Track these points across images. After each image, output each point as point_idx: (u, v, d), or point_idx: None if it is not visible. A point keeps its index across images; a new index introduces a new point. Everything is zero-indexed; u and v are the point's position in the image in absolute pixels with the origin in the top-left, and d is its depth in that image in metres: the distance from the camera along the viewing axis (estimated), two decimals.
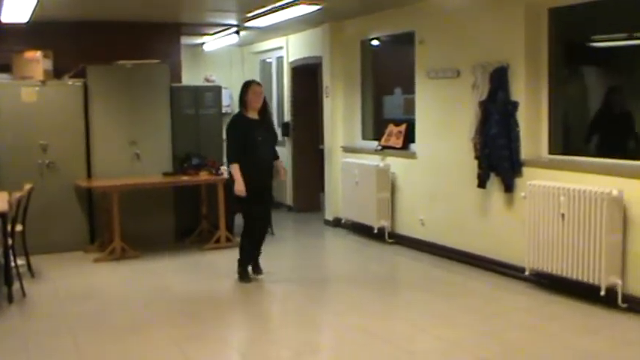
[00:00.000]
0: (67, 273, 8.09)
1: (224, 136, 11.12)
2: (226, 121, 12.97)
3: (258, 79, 13.45)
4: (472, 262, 7.80)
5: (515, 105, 7.08)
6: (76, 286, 7.57)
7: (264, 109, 7.65)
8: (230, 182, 7.56)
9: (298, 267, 8.59)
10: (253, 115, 7.47)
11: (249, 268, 7.65)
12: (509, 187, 7.19)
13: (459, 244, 8.05)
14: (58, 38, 9.48)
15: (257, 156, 7.34)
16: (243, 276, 7.52)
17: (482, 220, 7.67)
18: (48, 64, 9.20)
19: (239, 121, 7.51)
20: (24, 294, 7.09)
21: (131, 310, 6.66)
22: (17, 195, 7.22)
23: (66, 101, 9.17)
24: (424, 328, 5.88)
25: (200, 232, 9.69)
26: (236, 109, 13.53)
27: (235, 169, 7.26)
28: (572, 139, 7.50)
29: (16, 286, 7.07)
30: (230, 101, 13.38)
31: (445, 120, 8.19)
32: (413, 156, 8.81)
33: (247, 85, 7.63)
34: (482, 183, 7.46)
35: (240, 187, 7.22)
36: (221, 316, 6.46)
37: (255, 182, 7.32)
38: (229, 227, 9.47)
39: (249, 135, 7.34)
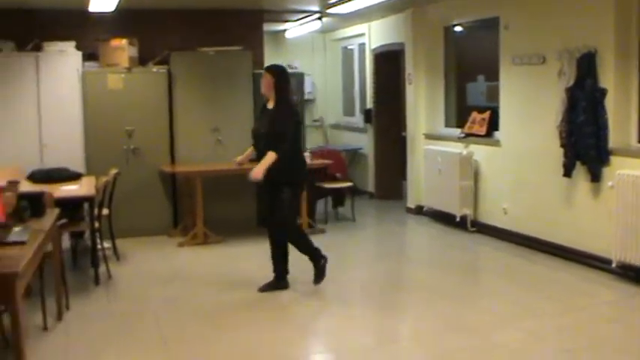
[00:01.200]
0: (151, 256, 8.24)
1: (306, 122, 11.26)
2: (309, 108, 13.20)
3: (340, 67, 13.57)
4: (556, 252, 7.65)
5: (603, 92, 6.90)
6: (159, 270, 7.71)
7: (275, 100, 6.69)
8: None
9: (380, 254, 8.57)
10: (269, 103, 6.77)
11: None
12: (595, 177, 7.02)
13: (542, 233, 7.91)
14: (143, 26, 9.65)
15: (257, 147, 6.82)
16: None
17: (568, 210, 7.52)
18: (133, 51, 9.35)
19: (261, 107, 7.08)
20: (110, 276, 7.26)
21: (213, 295, 6.74)
22: (104, 180, 7.37)
23: (151, 88, 9.32)
24: (506, 318, 5.80)
25: None
26: (318, 96, 13.80)
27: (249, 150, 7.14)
28: None
29: (102, 268, 7.25)
30: (312, 88, 13.43)
31: (530, 107, 8.04)
32: (497, 144, 8.69)
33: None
34: (567, 172, 7.30)
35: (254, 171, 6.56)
36: (302, 301, 6.49)
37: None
38: (311, 213, 9.50)
39: (255, 124, 7.18)
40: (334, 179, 10.20)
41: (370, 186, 12.27)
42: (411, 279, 7.39)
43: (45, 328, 5.71)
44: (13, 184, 5.92)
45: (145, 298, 6.55)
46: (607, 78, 6.90)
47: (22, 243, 4.54)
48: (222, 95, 9.55)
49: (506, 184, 8.54)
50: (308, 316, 6.13)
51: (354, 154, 12.61)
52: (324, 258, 6.75)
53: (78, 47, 9.20)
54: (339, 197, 10.48)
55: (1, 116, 8.81)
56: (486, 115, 9.06)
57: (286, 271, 6.83)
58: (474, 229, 9.04)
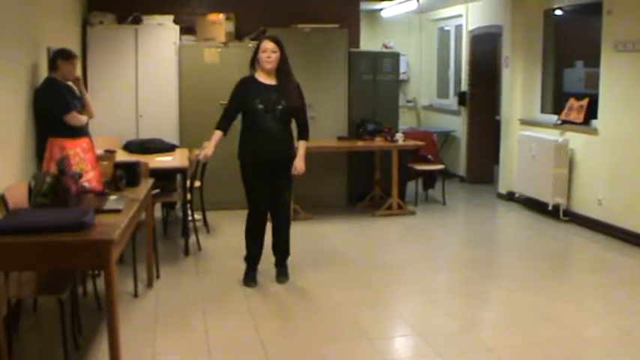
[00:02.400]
0: (240, 230, 8.26)
1: (400, 102, 11.17)
2: (403, 88, 13.11)
3: (435, 48, 13.42)
4: None
5: None
6: None
7: (284, 75, 6.25)
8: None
9: (468, 239, 8.47)
10: (267, 78, 6.20)
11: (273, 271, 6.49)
12: None
13: (639, 227, 7.68)
14: (240, 1, 9.75)
15: (257, 126, 6.12)
16: (245, 276, 6.34)
17: None
18: (230, 26, 9.43)
19: (242, 82, 6.30)
20: (199, 247, 7.37)
21: (301, 271, 6.75)
22: (196, 152, 7.46)
23: (246, 63, 9.23)
24: (597, 313, 5.66)
25: (372, 197, 9.73)
26: (412, 77, 13.69)
27: (216, 134, 6.24)
28: None
29: (192, 239, 7.37)
30: (407, 68, 13.33)
31: (632, 96, 7.79)
32: (594, 132, 8.46)
33: (258, 43, 6.31)
34: None
35: (206, 151, 6.23)
36: (389, 283, 6.47)
37: (255, 158, 6.19)
38: (401, 195, 9.46)
39: (249, 100, 6.14)
40: (426, 161, 10.12)
41: (461, 169, 12.13)
42: (499, 266, 7.28)
43: (136, 295, 5.85)
44: (109, 154, 6.06)
45: (233, 270, 6.61)
46: None
47: (118, 211, 4.63)
48: (316, 72, 9.55)
49: (602, 175, 8.32)
50: (395, 297, 6.11)
51: (447, 137, 12.49)
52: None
53: (176, 21, 9.36)
54: (429, 179, 10.40)
55: (100, 87, 9.00)
56: (584, 102, 8.83)
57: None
58: (566, 218, 8.85)
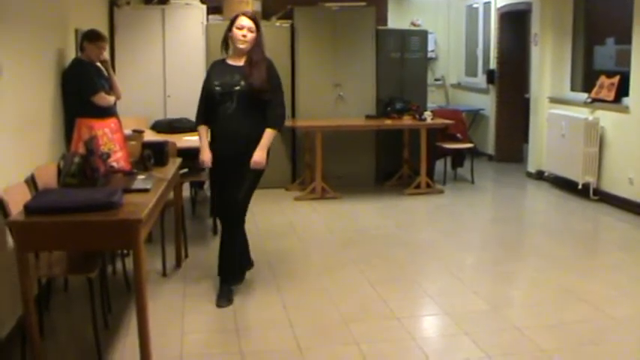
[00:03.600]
0: (268, 209, 8.34)
1: (429, 81, 11.09)
2: (431, 66, 13.04)
3: (464, 25, 13.30)
4: None
5: None
6: (276, 223, 7.80)
7: (254, 56, 5.33)
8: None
9: (497, 218, 8.43)
10: (236, 60, 5.39)
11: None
12: None
13: None
14: None
15: (216, 113, 5.34)
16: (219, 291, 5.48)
17: None
18: (257, 5, 9.43)
19: (212, 65, 5.59)
20: None
21: (328, 249, 6.79)
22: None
23: (273, 42, 9.26)
24: (627, 292, 5.61)
25: (400, 176, 9.71)
26: (440, 55, 13.60)
27: (200, 131, 5.51)
28: None
29: None
30: (435, 46, 13.26)
31: None
32: (625, 110, 8.36)
33: (234, 17, 5.42)
34: None
35: (202, 156, 5.43)
36: (417, 262, 6.46)
37: (217, 150, 5.42)
38: (430, 173, 9.43)
39: (210, 84, 5.39)
40: (454, 139, 10.07)
41: (490, 148, 12.06)
42: (528, 245, 7.23)
43: (164, 274, 5.89)
44: (137, 134, 6.08)
45: (261, 250, 6.64)
46: None
47: (146, 190, 4.64)
48: (344, 51, 9.52)
49: (633, 153, 8.22)
50: (423, 276, 6.09)
51: (475, 115, 12.41)
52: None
53: (203, 1, 9.33)
54: (458, 158, 10.35)
55: (128, 67, 9.02)
56: (615, 79, 8.72)
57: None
58: (596, 197, 8.77)
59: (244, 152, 5.25)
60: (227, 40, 5.42)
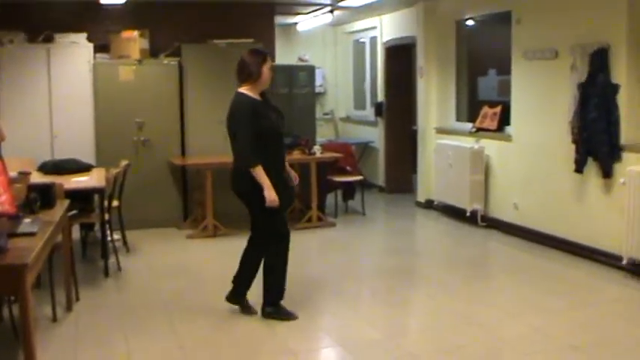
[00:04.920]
0: (161, 248, 8.26)
1: (317, 115, 11.18)
2: (320, 100, 13.18)
3: (351, 60, 13.54)
4: (566, 248, 7.63)
5: (615, 88, 6.87)
6: (169, 262, 7.72)
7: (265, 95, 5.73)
8: (252, 190, 5.50)
9: (389, 248, 8.56)
10: (256, 95, 5.60)
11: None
12: (607, 173, 6.99)
13: (553, 229, 7.88)
14: (153, 18, 9.68)
15: (275, 152, 5.59)
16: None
17: (579, 206, 7.49)
18: (144, 43, 9.36)
19: (254, 104, 5.52)
20: (119, 268, 7.27)
21: (223, 287, 6.70)
22: (114, 171, 7.38)
23: (162, 80, 9.32)
24: (515, 314, 5.79)
25: (292, 210, 9.73)
26: (329, 89, 13.77)
27: (262, 173, 5.41)
28: None
29: (112, 260, 7.27)
30: (323, 81, 13.43)
31: (542, 102, 8.01)
32: (508, 138, 8.65)
33: (264, 55, 5.65)
34: (579, 168, 7.27)
35: (273, 195, 5.42)
36: (311, 295, 6.46)
37: (287, 187, 5.77)
38: (321, 207, 9.51)
39: (270, 123, 5.53)
40: (344, 172, 10.19)
41: (380, 179, 12.25)
42: (419, 274, 7.37)
43: (54, 319, 5.73)
44: (24, 175, 5.94)
45: (155, 290, 6.57)
46: (619, 74, 6.87)
47: (32, 234, 4.54)
48: (233, 88, 9.44)
49: (517, 179, 8.51)
50: (316, 310, 6.11)
51: (365, 148, 12.59)
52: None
53: (89, 39, 9.24)
54: (349, 190, 10.47)
55: (13, 107, 8.83)
56: (498, 109, 9.02)
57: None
58: (484, 223, 9.02)
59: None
60: (252, 75, 5.52)
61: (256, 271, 5.80)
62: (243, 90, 5.56)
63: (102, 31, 9.38)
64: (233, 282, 5.85)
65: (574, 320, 5.62)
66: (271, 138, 5.52)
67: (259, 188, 5.41)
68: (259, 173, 5.40)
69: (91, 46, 9.18)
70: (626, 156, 6.84)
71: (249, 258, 5.84)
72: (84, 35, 9.20)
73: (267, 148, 5.48)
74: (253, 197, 5.50)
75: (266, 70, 5.53)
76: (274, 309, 5.72)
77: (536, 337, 5.26)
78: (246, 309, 5.81)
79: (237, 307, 5.86)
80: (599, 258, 7.15)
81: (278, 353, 5.07)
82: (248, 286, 5.83)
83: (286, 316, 5.69)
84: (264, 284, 5.75)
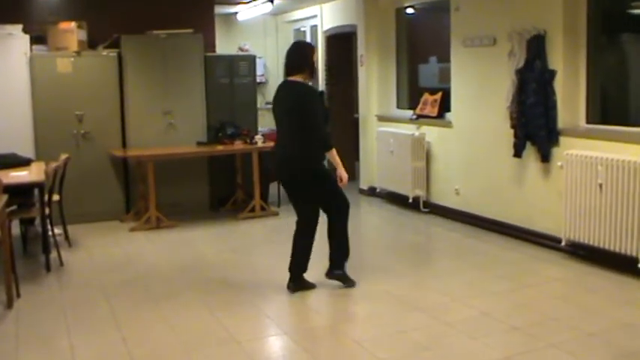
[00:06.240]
0: (103, 242, 8.17)
1: (258, 105, 11.18)
2: (261, 90, 13.14)
3: None
4: (507, 232, 7.75)
5: (552, 73, 6.98)
6: (112, 255, 7.65)
7: None
8: (319, 169, 6.07)
9: None
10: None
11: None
12: (545, 157, 7.11)
13: (494, 213, 7.99)
14: (91, 9, 9.56)
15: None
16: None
17: (518, 190, 7.61)
18: (82, 34, 9.22)
19: (317, 92, 6.26)
20: (61, 263, 7.19)
21: (166, 279, 6.72)
22: (53, 165, 7.28)
23: (101, 71, 9.21)
24: (457, 297, 5.86)
25: (235, 201, 9.74)
26: (274, 78, 13.73)
27: (336, 155, 6.10)
28: (611, 108, 7.36)
29: (53, 254, 7.18)
30: (264, 70, 13.41)
31: (481, 89, 8.10)
32: (448, 125, 8.74)
33: (313, 48, 6.17)
34: (518, 152, 7.38)
35: (344, 176, 6.09)
36: (255, 284, 6.46)
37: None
38: (264, 196, 9.50)
39: (325, 109, 6.38)
40: None
41: None
42: (363, 260, 7.39)
43: None
44: None
45: (98, 284, 6.51)
46: (556, 59, 6.98)
47: None
48: (173, 78, 9.47)
49: (457, 165, 8.61)
50: (261, 298, 6.10)
51: None
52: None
53: (25, 30, 9.05)
54: None
55: None
56: (438, 96, 9.11)
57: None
58: (426, 210, 9.11)
59: None
60: (308, 65, 5.96)
61: (310, 251, 6.13)
62: (298, 78, 5.97)
63: (38, 23, 9.22)
64: (290, 270, 6.13)
65: (515, 302, 5.72)
66: (326, 121, 5.99)
67: (322, 167, 6.08)
68: (334, 154, 6.02)
69: (27, 37, 9.01)
70: (563, 140, 6.97)
71: (300, 242, 6.12)
72: (19, 27, 9.00)
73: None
74: (320, 176, 6.02)
75: (315, 61, 6.02)
76: (343, 271, 6.18)
77: (479, 320, 5.34)
78: (310, 286, 6.16)
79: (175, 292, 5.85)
80: (539, 240, 7.29)
81: (223, 342, 5.06)
82: (305, 269, 6.16)
83: (349, 282, 6.18)
84: (334, 249, 6.14)
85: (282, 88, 6.12)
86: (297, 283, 6.11)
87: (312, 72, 6.01)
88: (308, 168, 5.97)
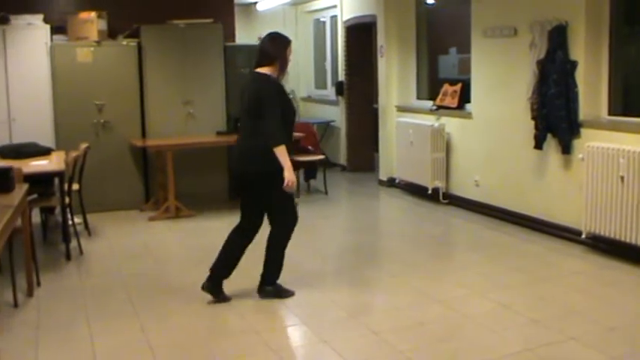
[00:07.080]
0: (122, 231, 8.20)
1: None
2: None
3: (312, 39, 13.52)
4: (527, 224, 7.71)
5: (574, 64, 6.92)
6: (131, 244, 7.67)
7: None
8: (273, 171, 5.40)
9: (352, 227, 8.59)
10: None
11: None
12: (566, 149, 7.06)
13: (514, 205, 7.95)
14: None
15: (287, 133, 5.57)
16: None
17: (538, 182, 7.56)
18: (102, 24, 9.24)
19: (281, 85, 5.59)
20: (81, 252, 7.22)
21: (185, 268, 6.74)
22: (73, 154, 7.31)
23: (121, 61, 9.23)
24: (476, 290, 5.84)
25: None
26: (291, 68, 13.61)
27: (285, 150, 5.38)
28: (633, 99, 7.29)
29: (73, 243, 7.22)
30: None
31: (502, 79, 8.05)
32: (468, 116, 8.70)
33: (288, 42, 5.63)
34: (538, 144, 7.33)
35: (294, 176, 5.49)
36: None
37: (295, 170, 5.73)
38: None
39: (290, 106, 5.67)
40: (306, 152, 10.19)
41: (342, 159, 12.27)
42: (383, 251, 7.40)
43: (15, 305, 5.67)
44: None
45: (117, 272, 6.54)
46: (578, 50, 6.92)
47: None
48: (193, 68, 9.48)
49: (477, 157, 8.57)
50: None
51: (326, 127, 12.60)
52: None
53: (46, 20, 9.11)
54: (311, 170, 10.49)
55: None
56: (458, 87, 9.07)
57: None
58: (445, 201, 9.08)
59: None
60: (284, 59, 5.52)
61: (239, 258, 5.76)
62: (264, 71, 5.49)
63: (59, 12, 9.27)
64: (211, 270, 5.73)
65: (535, 295, 5.68)
66: (290, 119, 5.57)
67: (279, 170, 5.35)
68: (283, 153, 5.35)
69: (47, 27, 9.06)
70: (584, 132, 6.91)
71: (235, 245, 5.80)
72: (40, 16, 9.07)
73: (286, 128, 5.48)
74: (273, 178, 5.41)
75: (288, 57, 5.57)
76: (274, 288, 5.79)
77: (499, 313, 5.31)
78: (223, 299, 5.71)
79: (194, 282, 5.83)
80: (560, 233, 7.24)
81: (242, 332, 5.07)
82: (229, 274, 5.76)
83: (285, 293, 5.79)
84: (268, 264, 5.80)
85: (248, 79, 5.71)
86: (214, 286, 5.70)
87: (284, 66, 5.54)
88: (259, 166, 5.47)
